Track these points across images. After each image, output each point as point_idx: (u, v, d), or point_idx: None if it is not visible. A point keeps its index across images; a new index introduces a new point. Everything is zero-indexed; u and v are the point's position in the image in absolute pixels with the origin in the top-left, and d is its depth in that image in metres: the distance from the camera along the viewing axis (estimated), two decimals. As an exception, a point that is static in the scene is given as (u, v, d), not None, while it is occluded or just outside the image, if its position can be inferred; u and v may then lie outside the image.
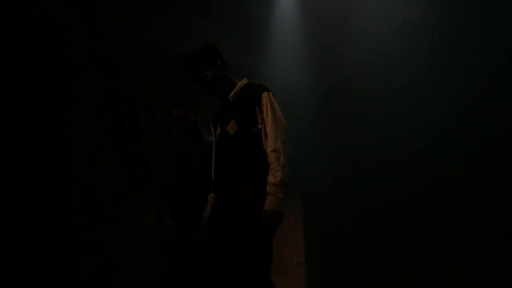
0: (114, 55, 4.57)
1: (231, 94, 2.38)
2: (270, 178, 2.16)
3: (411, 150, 4.52)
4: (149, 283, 4.54)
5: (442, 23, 4.37)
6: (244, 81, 2.44)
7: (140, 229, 4.53)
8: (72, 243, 4.09)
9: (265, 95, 2.28)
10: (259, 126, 2.26)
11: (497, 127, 3.91)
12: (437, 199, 4.25)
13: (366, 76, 5.02)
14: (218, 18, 5.07)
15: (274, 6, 5.43)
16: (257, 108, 2.26)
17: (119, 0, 4.42)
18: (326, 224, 5.15)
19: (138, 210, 4.54)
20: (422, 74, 4.46)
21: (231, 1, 4.92)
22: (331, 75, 5.46)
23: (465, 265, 3.97)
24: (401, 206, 4.53)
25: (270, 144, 2.20)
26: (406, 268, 4.46)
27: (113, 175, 4.46)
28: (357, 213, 5.01)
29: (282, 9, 5.48)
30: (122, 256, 4.34)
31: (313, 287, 4.99)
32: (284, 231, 2.38)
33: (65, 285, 3.98)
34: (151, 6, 4.64)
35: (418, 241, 4.37)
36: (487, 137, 3.96)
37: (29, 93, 4.02)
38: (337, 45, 5.25)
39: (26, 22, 4.04)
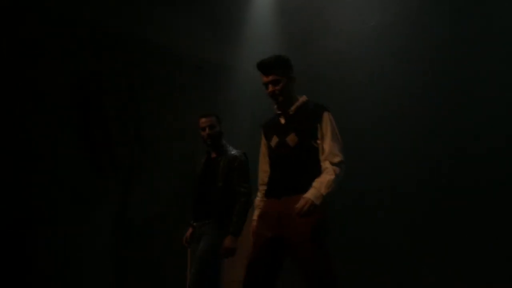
0: (82, 40, 4.47)
1: (292, 108, 2.56)
2: (320, 177, 2.40)
3: (389, 153, 4.48)
4: (108, 271, 4.48)
5: (414, 27, 4.45)
6: (304, 97, 2.61)
7: (100, 216, 4.43)
8: (29, 229, 3.97)
9: (326, 114, 2.51)
10: (318, 141, 2.49)
11: (479, 131, 3.91)
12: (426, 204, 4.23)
13: (338, 77, 5.05)
14: (193, 10, 5.03)
15: (250, 4, 5.49)
16: (318, 125, 2.49)
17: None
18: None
19: (100, 197, 4.45)
20: (394, 72, 4.48)
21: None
22: (304, 74, 5.47)
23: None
24: (384, 212, 4.42)
25: (328, 157, 2.44)
26: (386, 277, 4.40)
27: (74, 161, 4.34)
28: (337, 217, 4.94)
29: (258, 7, 5.54)
30: (81, 243, 4.24)
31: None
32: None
33: (21, 273, 3.86)
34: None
35: (401, 244, 4.31)
36: (465, 143, 3.97)
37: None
38: (310, 45, 5.29)
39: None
